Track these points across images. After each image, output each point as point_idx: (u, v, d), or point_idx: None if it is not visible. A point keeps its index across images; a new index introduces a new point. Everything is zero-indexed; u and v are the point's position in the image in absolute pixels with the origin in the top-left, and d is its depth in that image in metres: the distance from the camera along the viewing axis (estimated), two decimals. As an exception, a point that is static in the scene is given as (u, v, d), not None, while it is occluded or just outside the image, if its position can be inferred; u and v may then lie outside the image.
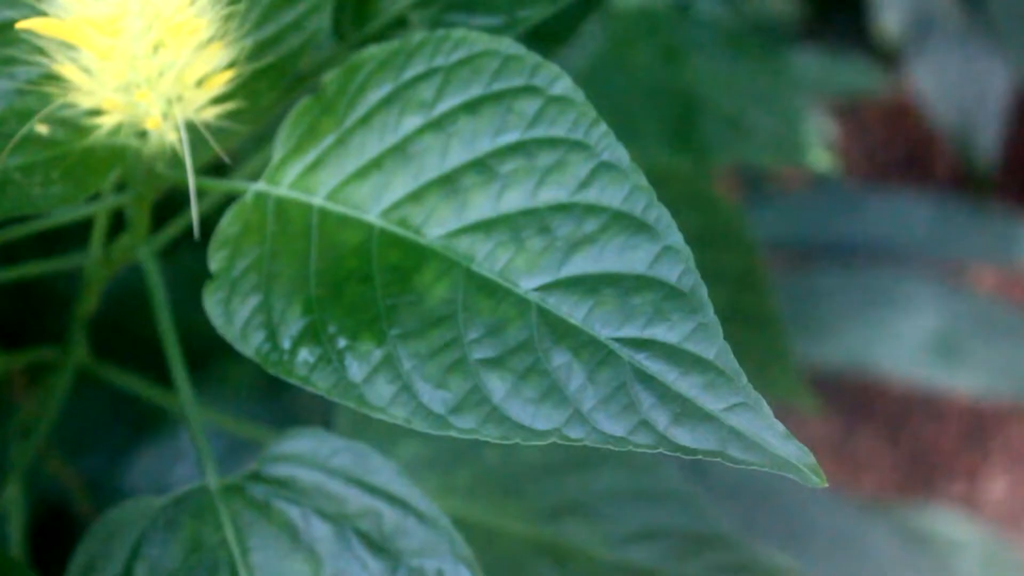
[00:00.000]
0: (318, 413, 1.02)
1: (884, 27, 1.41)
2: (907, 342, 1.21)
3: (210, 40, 0.50)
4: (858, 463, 1.43)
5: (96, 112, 0.50)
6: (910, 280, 1.23)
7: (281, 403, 1.03)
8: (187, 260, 0.63)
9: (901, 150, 1.60)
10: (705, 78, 0.84)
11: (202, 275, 0.56)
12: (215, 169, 0.56)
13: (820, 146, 0.87)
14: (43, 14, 0.50)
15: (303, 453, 0.50)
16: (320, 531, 0.49)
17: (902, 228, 1.28)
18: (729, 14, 1.01)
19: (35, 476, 0.83)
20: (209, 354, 1.09)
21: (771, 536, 1.07)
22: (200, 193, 0.55)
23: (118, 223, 0.62)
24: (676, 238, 0.44)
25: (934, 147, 1.59)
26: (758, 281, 0.78)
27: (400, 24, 0.55)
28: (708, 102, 0.84)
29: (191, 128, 0.50)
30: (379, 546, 0.48)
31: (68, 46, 0.50)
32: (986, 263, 1.51)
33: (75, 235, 0.62)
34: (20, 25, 0.48)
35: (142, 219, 0.55)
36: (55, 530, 0.90)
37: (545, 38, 0.56)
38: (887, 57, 1.44)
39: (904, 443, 1.44)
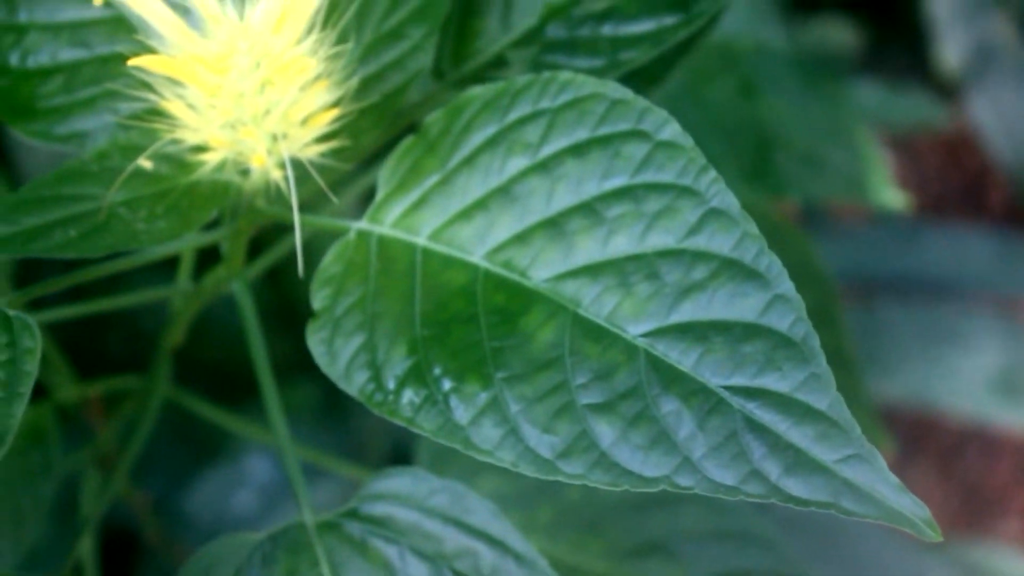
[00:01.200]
0: (382, 441, 1.03)
1: (943, 59, 1.41)
2: (965, 377, 1.20)
3: (316, 79, 0.50)
4: (909, 497, 1.41)
5: (201, 148, 0.50)
6: (969, 315, 1.22)
7: (346, 430, 1.03)
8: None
9: (956, 183, 1.59)
10: (779, 113, 0.84)
11: (265, 303, 0.56)
12: (305, 205, 0.56)
13: (891, 183, 0.87)
14: (151, 50, 0.50)
15: (400, 492, 0.50)
16: (417, 570, 0.49)
17: (961, 263, 1.27)
18: (789, 45, 1.01)
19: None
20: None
21: (830, 570, 1.07)
22: (285, 227, 0.55)
23: (201, 256, 0.62)
24: (787, 286, 0.44)
25: (989, 180, 1.59)
26: (835, 318, 0.78)
27: (499, 64, 0.55)
28: (783, 138, 0.83)
29: (294, 164, 0.50)
30: (477, 587, 0.48)
31: (174, 82, 0.50)
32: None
33: (155, 266, 0.63)
34: (132, 63, 0.48)
35: (238, 253, 0.55)
36: (122, 553, 0.91)
37: (642, 79, 0.56)
38: (945, 89, 1.43)
39: (958, 478, 1.43)
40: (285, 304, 0.99)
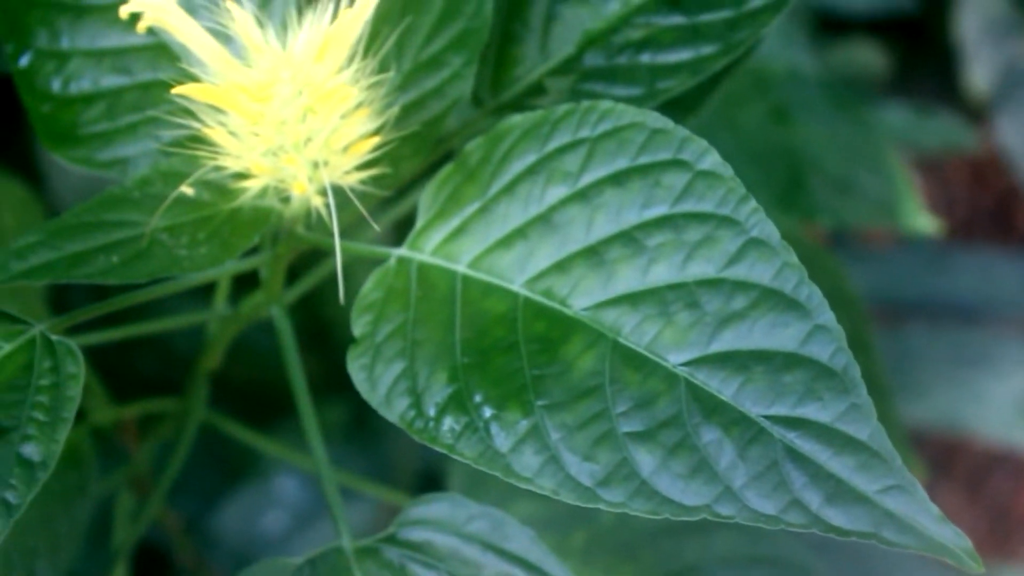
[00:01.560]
0: (413, 463, 1.03)
1: (972, 81, 1.41)
2: (994, 401, 1.20)
3: (357, 107, 0.50)
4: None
5: (243, 175, 0.51)
6: (998, 339, 1.22)
7: (375, 451, 1.03)
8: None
9: (985, 205, 1.59)
10: (811, 138, 0.84)
11: (294, 322, 0.57)
12: (344, 230, 0.56)
13: (923, 209, 0.87)
14: (193, 78, 0.51)
15: (439, 518, 0.50)
16: (455, 596, 0.49)
17: (990, 286, 1.27)
18: (818, 68, 1.01)
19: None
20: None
21: (858, 595, 1.06)
22: (321, 252, 0.55)
23: (236, 279, 0.62)
24: (827, 316, 0.45)
25: (1017, 202, 1.59)
26: (866, 342, 0.78)
27: (537, 91, 0.56)
28: (815, 162, 0.84)
29: (333, 191, 0.51)
30: (515, 613, 0.49)
31: (216, 109, 0.50)
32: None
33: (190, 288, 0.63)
34: (175, 91, 0.48)
35: (277, 278, 0.56)
36: (154, 572, 0.91)
37: (679, 107, 0.56)
38: (973, 112, 1.43)
39: (986, 502, 1.42)
40: (313, 323, 0.99)
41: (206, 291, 0.62)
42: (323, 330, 1.02)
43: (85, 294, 0.80)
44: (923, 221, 0.86)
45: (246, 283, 0.61)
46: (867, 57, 1.49)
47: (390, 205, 0.59)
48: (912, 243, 1.32)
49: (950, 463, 1.44)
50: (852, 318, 0.78)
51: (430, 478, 1.06)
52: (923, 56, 1.50)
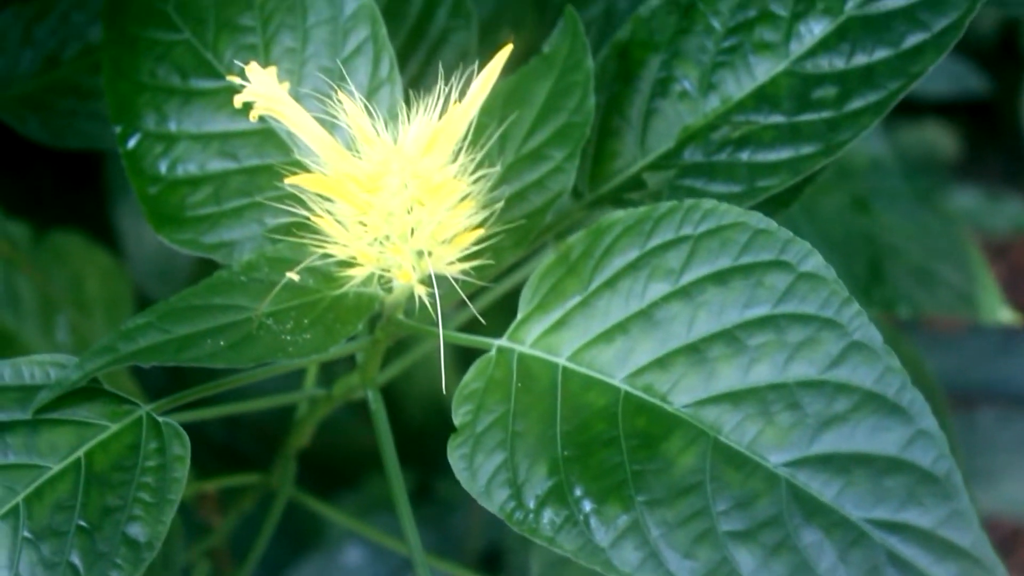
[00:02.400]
0: (478, 539, 1.03)
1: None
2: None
3: (462, 199, 0.51)
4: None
5: (348, 263, 0.52)
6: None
7: (441, 525, 1.04)
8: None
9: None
10: (892, 227, 0.85)
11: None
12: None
13: (1002, 299, 0.87)
14: (299, 163, 0.52)
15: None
16: None
17: (1059, 372, 1.26)
18: (889, 149, 1.01)
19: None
20: (360, 470, 1.11)
21: None
22: (413, 337, 0.56)
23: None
24: (930, 422, 0.45)
25: (1084, 287, 1.58)
26: (945, 431, 0.78)
27: (635, 185, 0.56)
28: (895, 252, 0.84)
29: (433, 279, 0.51)
30: None
31: (324, 197, 0.51)
32: None
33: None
34: (288, 181, 0.50)
35: (374, 362, 0.56)
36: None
37: (772, 200, 0.57)
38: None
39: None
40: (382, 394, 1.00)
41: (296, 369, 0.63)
42: (390, 402, 1.03)
43: (164, 367, 0.82)
44: (1003, 313, 0.87)
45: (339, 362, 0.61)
46: (938, 139, 1.50)
47: (483, 291, 0.60)
48: (981, 328, 1.32)
49: (1015, 551, 1.43)
50: (932, 406, 0.78)
51: (495, 555, 1.06)
52: (993, 139, 1.50)
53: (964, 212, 1.36)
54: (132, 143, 0.58)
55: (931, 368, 1.18)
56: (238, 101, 0.51)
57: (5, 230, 0.81)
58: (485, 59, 0.50)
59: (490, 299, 0.62)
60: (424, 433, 1.02)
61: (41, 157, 0.99)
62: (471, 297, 0.59)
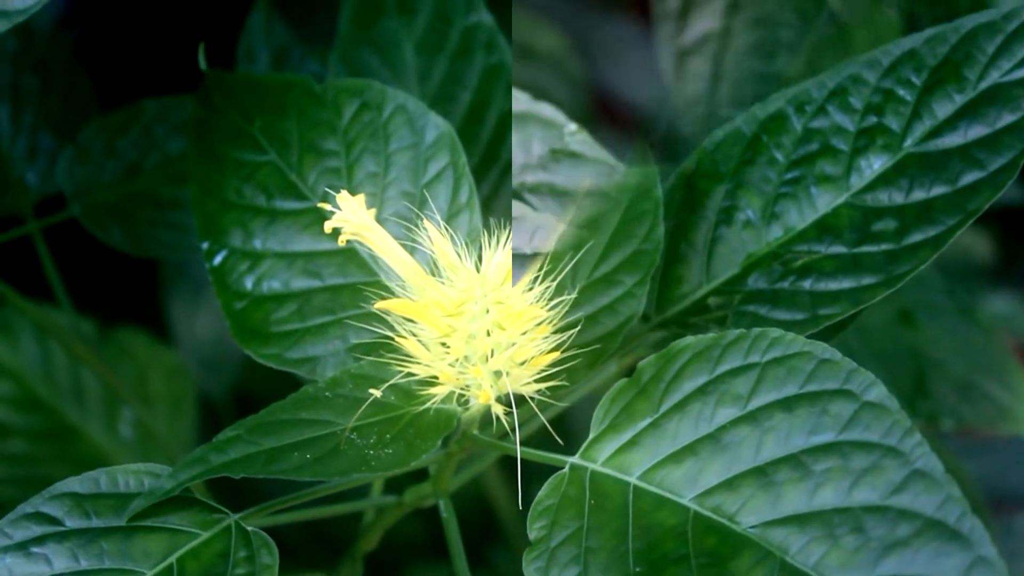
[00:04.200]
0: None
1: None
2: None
3: (539, 324, 0.54)
4: None
5: (430, 382, 0.54)
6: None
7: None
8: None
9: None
10: (936, 340, 0.87)
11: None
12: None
13: (1042, 412, 0.89)
14: (382, 284, 0.55)
15: None
16: None
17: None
18: (932, 264, 1.03)
19: None
20: (402, 558, 1.12)
21: None
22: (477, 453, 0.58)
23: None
24: (989, 550, 0.47)
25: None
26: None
27: (700, 309, 0.59)
28: (938, 365, 0.86)
29: (512, 399, 0.54)
30: None
31: (407, 319, 0.54)
32: None
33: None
34: (378, 306, 0.52)
35: (446, 474, 0.59)
36: None
37: (830, 326, 0.59)
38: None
39: None
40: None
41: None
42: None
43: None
44: (1042, 427, 0.88)
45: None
46: (971, 243, 1.52)
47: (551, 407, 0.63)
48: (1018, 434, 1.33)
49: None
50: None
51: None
52: (1026, 244, 1.52)
53: (999, 317, 1.38)
54: (219, 259, 0.61)
55: (969, 472, 1.19)
56: (328, 227, 0.54)
57: (77, 327, 0.84)
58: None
59: (552, 413, 0.65)
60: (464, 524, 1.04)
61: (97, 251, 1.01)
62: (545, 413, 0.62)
